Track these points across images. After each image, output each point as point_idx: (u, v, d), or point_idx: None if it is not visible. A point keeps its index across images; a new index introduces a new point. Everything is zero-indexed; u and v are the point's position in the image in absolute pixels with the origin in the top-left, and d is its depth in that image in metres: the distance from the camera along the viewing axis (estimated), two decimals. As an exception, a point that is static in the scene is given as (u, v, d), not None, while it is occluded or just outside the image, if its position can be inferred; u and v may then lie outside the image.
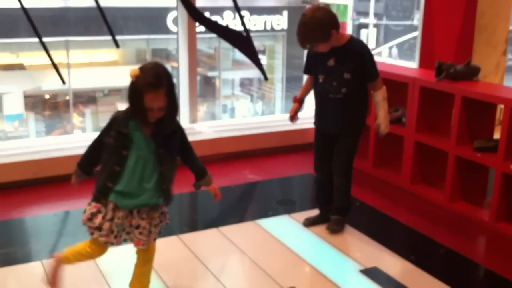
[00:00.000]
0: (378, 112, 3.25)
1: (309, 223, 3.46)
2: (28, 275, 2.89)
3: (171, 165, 2.43)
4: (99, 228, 2.35)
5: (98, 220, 2.34)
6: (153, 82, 2.24)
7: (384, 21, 14.06)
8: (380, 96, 3.22)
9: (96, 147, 2.43)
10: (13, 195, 3.87)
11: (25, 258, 3.06)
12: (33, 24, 3.89)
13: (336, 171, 3.33)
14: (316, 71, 3.25)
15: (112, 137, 2.32)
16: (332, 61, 3.17)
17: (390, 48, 13.04)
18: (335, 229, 3.37)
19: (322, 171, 3.41)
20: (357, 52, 3.15)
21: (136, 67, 2.27)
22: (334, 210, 3.42)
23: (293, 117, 3.42)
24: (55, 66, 4.01)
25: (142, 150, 2.33)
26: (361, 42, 3.26)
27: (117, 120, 2.33)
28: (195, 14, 4.51)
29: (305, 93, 3.44)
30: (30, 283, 2.81)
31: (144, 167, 2.34)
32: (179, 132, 2.45)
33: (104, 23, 4.12)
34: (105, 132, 2.37)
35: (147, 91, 2.23)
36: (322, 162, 3.38)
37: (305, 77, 3.52)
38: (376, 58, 3.46)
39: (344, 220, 3.42)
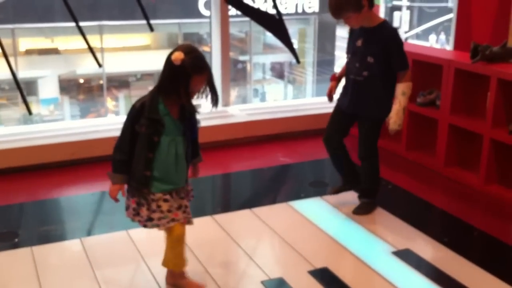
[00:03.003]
0: (393, 105, 3.13)
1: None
2: (67, 252, 2.99)
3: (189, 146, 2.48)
4: (150, 219, 2.40)
5: (144, 212, 2.40)
6: (201, 65, 2.28)
7: (418, 3, 13.81)
8: (399, 90, 3.10)
9: (131, 141, 2.35)
10: (52, 176, 3.98)
11: (64, 235, 3.16)
12: (70, 8, 3.96)
13: (359, 155, 3.36)
14: (348, 50, 3.26)
15: (143, 125, 2.30)
16: (360, 42, 3.14)
17: (438, 34, 12.81)
18: (360, 212, 3.38)
19: (330, 145, 3.40)
20: (385, 38, 3.08)
21: (179, 52, 2.24)
22: (361, 192, 3.46)
23: (331, 96, 3.42)
24: (91, 49, 4.08)
25: (173, 133, 2.36)
26: (392, 29, 3.19)
27: (145, 107, 2.31)
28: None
29: (344, 73, 3.39)
30: (69, 260, 2.90)
31: (177, 150, 2.38)
32: (195, 114, 2.47)
33: (139, 6, 4.17)
34: (134, 122, 2.33)
35: (196, 74, 2.26)
36: (331, 136, 3.38)
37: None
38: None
39: (370, 203, 3.42)
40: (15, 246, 3.02)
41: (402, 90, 3.09)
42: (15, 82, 3.99)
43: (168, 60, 2.28)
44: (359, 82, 3.18)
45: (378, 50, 3.08)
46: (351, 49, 3.22)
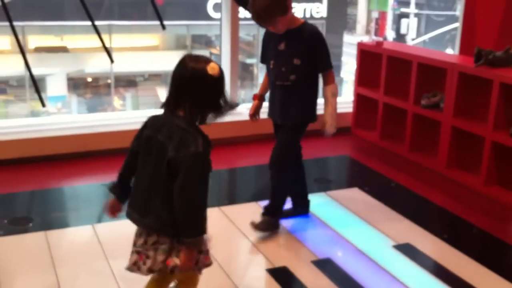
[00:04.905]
0: (325, 108, 2.99)
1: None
2: (79, 237, 3.11)
3: None
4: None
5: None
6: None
7: (426, 11, 13.90)
8: (329, 92, 2.98)
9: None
10: (65, 166, 4.10)
11: (76, 222, 3.28)
12: (85, 6, 4.06)
13: (273, 163, 3.09)
14: (268, 57, 3.06)
15: (210, 162, 2.02)
16: (283, 45, 2.96)
17: (451, 45, 12.85)
18: (259, 227, 3.12)
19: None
20: (309, 37, 2.93)
21: (212, 63, 2.01)
22: (265, 209, 3.19)
23: (253, 115, 3.22)
24: (104, 45, 4.19)
25: None
26: (314, 28, 3.00)
27: (210, 145, 2.01)
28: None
29: (265, 89, 3.20)
30: (81, 244, 3.02)
31: None
32: None
33: (152, 4, 4.27)
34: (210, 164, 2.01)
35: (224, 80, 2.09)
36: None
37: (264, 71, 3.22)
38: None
39: (271, 221, 3.15)
40: (30, 230, 3.13)
41: (331, 92, 2.99)
42: (30, 75, 4.09)
43: (206, 76, 1.98)
44: (287, 86, 2.99)
45: (303, 50, 2.93)
46: (274, 54, 3.01)
